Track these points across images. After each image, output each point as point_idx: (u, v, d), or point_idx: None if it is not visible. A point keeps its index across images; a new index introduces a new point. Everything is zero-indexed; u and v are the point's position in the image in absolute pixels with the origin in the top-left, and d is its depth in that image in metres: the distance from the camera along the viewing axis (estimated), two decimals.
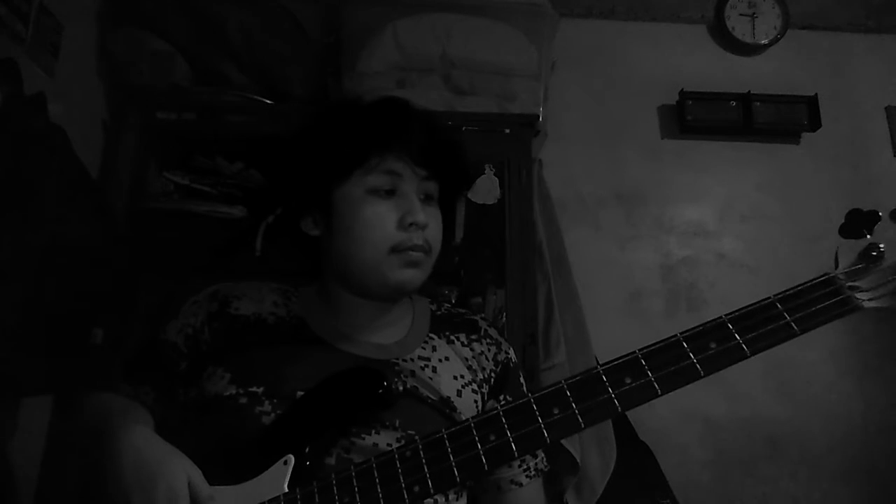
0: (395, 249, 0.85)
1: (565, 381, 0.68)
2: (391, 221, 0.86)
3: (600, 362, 0.68)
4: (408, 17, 1.77)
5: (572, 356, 1.63)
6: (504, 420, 0.68)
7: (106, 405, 0.86)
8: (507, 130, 1.69)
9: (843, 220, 0.73)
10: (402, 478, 0.68)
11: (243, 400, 0.80)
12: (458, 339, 0.95)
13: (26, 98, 1.27)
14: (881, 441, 1.92)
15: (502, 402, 0.87)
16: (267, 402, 0.80)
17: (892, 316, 1.36)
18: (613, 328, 1.90)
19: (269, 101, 1.70)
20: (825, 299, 0.65)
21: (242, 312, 0.90)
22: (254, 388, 0.81)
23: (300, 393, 0.80)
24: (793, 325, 0.64)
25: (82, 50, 1.62)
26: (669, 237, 2.09)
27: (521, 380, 0.99)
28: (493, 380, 0.94)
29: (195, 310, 0.92)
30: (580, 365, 1.64)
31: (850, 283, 0.66)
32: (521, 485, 0.89)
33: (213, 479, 0.74)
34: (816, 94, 2.09)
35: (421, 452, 0.69)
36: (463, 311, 1.04)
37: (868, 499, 1.88)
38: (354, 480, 0.70)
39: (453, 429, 0.69)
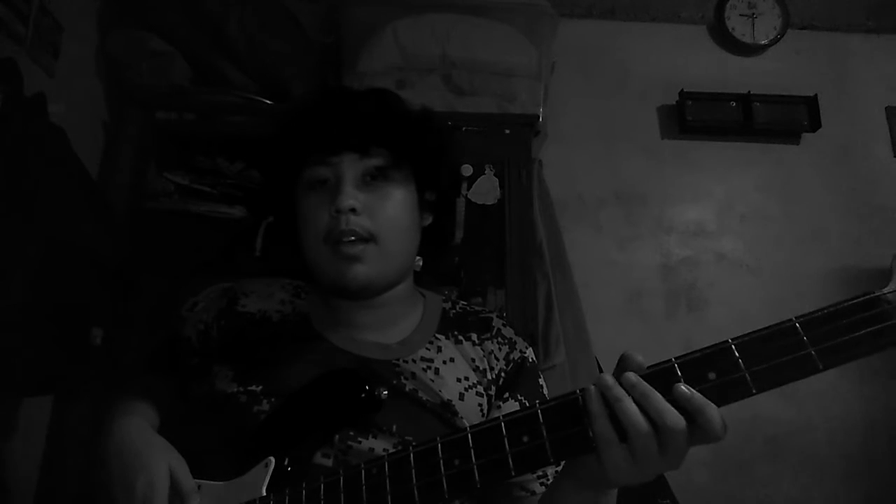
0: (328, 240, 0.82)
1: (539, 404, 0.60)
2: (324, 211, 0.83)
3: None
4: (408, 17, 1.77)
5: (572, 356, 1.63)
6: (471, 444, 0.61)
7: (112, 402, 0.87)
8: (507, 130, 1.69)
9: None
10: (364, 495, 0.65)
11: (243, 398, 0.80)
12: (467, 339, 0.90)
13: (26, 98, 1.27)
14: (881, 441, 1.92)
15: (523, 402, 0.86)
16: (265, 401, 0.80)
17: None
18: (613, 328, 1.89)
19: (269, 101, 1.70)
20: (863, 326, 0.50)
21: (249, 309, 0.90)
22: (253, 387, 0.81)
23: None
24: (815, 356, 0.51)
25: (82, 50, 1.63)
26: (669, 237, 2.08)
27: (541, 381, 0.92)
28: (502, 379, 0.88)
29: (208, 305, 0.92)
30: (580, 365, 1.63)
31: None
32: (533, 493, 0.82)
33: (211, 475, 0.75)
34: (816, 95, 2.09)
35: (386, 471, 0.65)
36: (479, 309, 1.00)
37: (868, 499, 1.88)
38: (322, 493, 0.67)
39: (420, 448, 0.64)
